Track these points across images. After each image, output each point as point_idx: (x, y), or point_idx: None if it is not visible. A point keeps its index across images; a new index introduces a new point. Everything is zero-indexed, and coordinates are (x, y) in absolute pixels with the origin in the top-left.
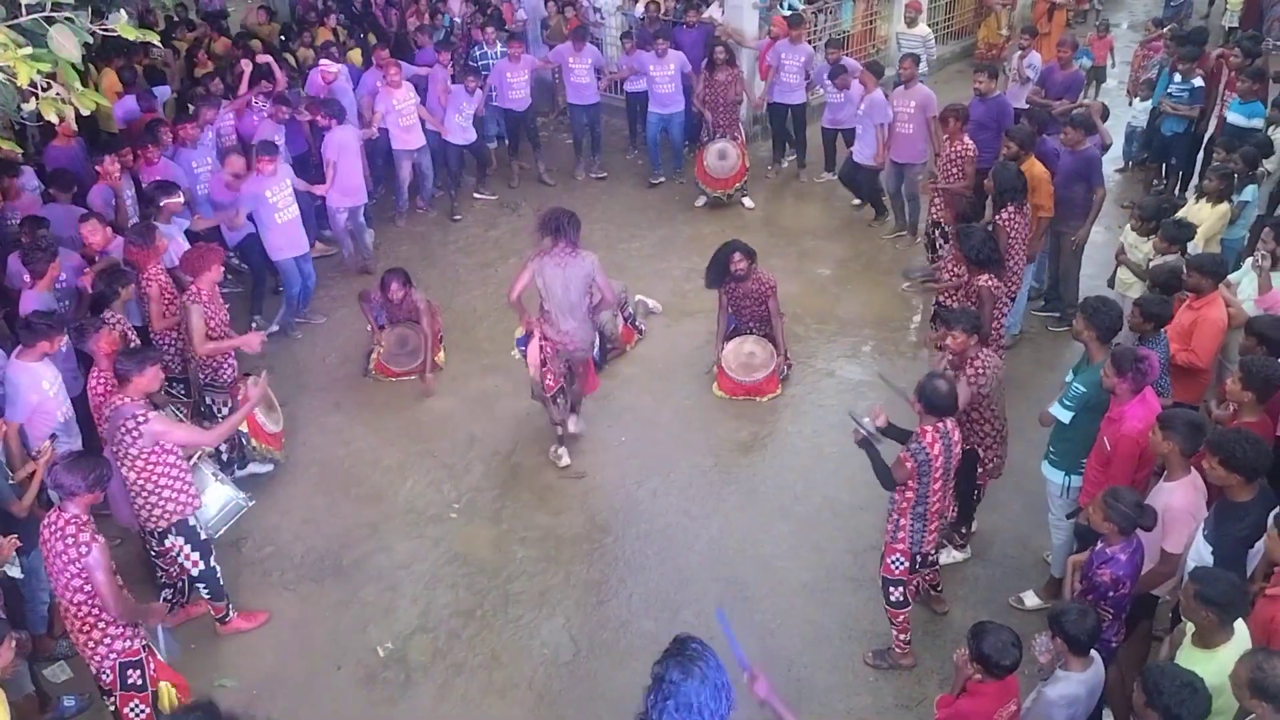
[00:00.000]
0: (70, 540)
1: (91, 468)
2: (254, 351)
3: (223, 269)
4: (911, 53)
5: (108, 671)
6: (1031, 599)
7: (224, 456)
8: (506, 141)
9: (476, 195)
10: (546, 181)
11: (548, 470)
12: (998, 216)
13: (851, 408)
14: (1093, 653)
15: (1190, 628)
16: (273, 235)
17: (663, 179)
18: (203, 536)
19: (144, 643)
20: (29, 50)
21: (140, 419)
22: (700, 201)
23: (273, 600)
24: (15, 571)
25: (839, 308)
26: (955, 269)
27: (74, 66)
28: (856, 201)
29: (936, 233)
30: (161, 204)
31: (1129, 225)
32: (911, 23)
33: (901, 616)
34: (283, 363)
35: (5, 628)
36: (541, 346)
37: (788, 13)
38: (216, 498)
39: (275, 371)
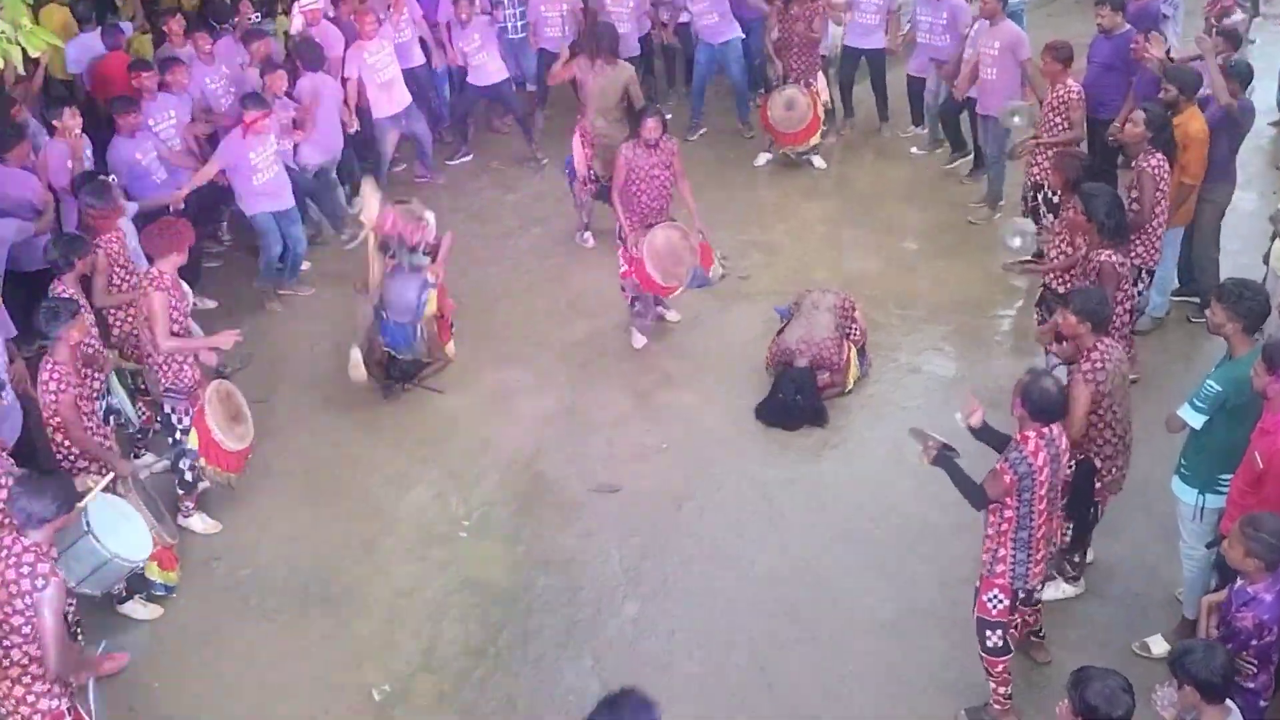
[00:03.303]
0: (26, 569)
1: (58, 489)
2: (226, 348)
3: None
4: None
5: None
6: (1159, 645)
7: (188, 476)
8: (532, 89)
9: (540, 158)
10: (537, 158)
11: (575, 482)
12: (1145, 163)
13: (914, 426)
14: (1229, 703)
15: None
16: (248, 193)
17: (704, 131)
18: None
19: (70, 704)
20: None
21: None
22: (761, 160)
23: (249, 632)
24: None
25: (926, 290)
26: (1066, 244)
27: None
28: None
29: (1039, 199)
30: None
31: None
32: None
33: (1000, 666)
34: (261, 349)
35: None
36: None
37: None
38: (83, 554)
39: (252, 361)
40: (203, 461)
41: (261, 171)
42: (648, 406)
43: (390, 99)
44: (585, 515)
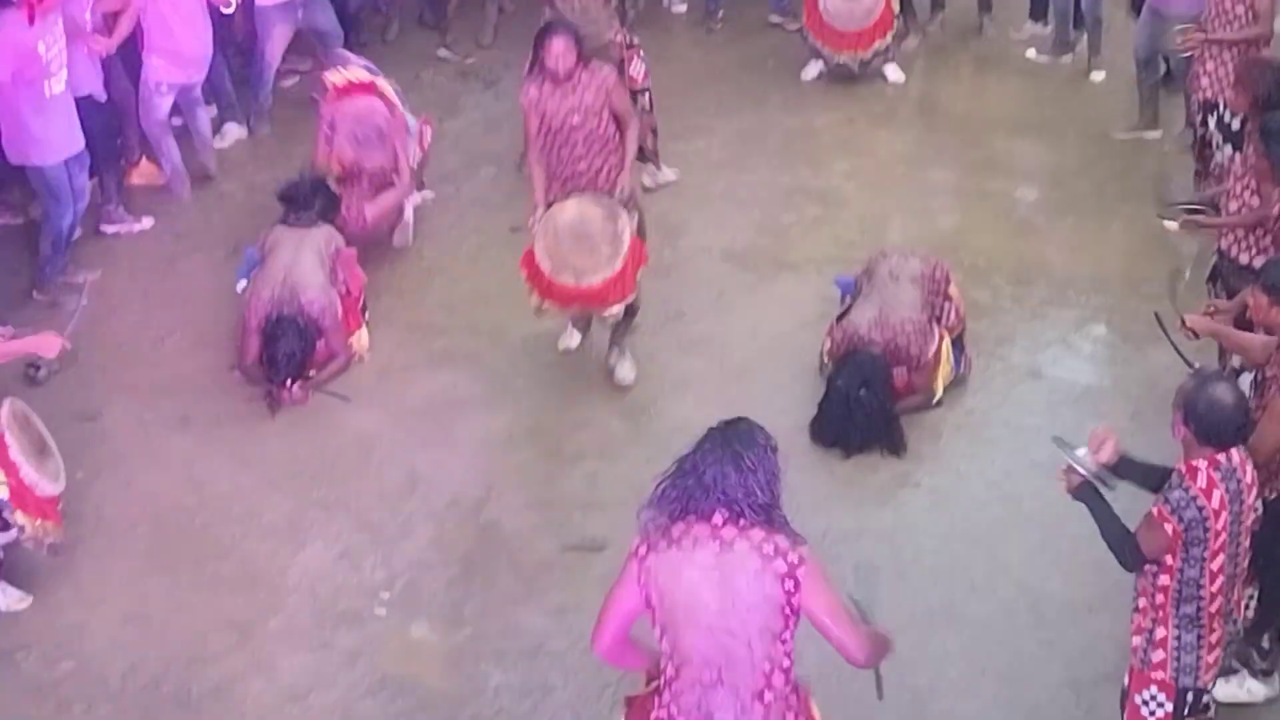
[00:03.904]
0: None
1: None
2: (50, 355)
3: None
4: None
5: None
6: None
7: None
8: None
9: (441, 54)
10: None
11: (543, 536)
12: None
13: (1060, 432)
14: None
15: None
16: (40, 120)
17: (721, 15)
18: None
19: None
20: None
21: None
22: (812, 72)
23: None
24: None
25: (1052, 258)
26: (1250, 192)
27: None
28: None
29: (1212, 124)
30: None
31: None
32: None
33: None
34: (85, 345)
35: None
36: None
37: None
38: None
39: (76, 363)
40: (19, 516)
41: (56, 76)
42: (647, 426)
43: None
44: (558, 584)
